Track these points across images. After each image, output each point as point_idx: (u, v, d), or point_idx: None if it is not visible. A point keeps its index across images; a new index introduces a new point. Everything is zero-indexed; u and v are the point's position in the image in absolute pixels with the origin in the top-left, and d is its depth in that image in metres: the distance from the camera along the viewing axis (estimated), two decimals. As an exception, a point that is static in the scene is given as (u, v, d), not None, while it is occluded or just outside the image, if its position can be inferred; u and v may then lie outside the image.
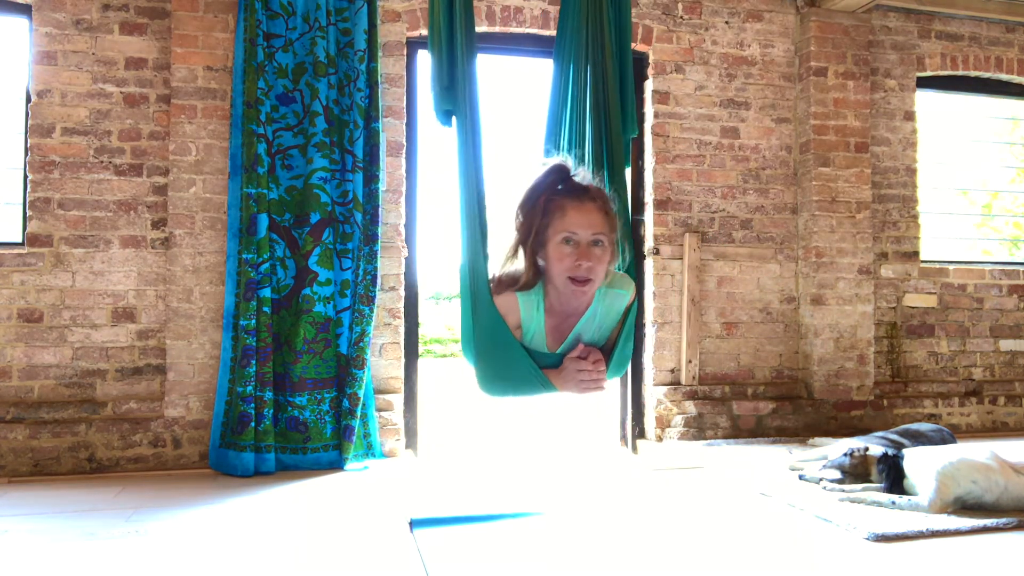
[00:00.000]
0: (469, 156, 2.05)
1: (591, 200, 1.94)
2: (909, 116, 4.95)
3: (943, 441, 3.64)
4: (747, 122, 4.68)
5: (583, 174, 2.04)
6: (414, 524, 2.80)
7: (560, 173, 2.00)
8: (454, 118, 2.17)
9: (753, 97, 4.70)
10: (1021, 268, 5.11)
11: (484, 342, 2.02)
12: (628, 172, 2.39)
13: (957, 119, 5.32)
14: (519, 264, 2.06)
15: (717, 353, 4.58)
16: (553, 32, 4.32)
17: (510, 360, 2.02)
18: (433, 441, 4.91)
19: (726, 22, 4.67)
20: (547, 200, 1.94)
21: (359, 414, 3.87)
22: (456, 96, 2.16)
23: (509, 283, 2.02)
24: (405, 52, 4.21)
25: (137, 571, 2.36)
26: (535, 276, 2.00)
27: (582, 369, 2.04)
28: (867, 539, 2.60)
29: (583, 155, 2.30)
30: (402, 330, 4.15)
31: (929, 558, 2.44)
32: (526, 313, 2.03)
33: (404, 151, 4.17)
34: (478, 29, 3.93)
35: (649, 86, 4.57)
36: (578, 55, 2.36)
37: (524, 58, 4.58)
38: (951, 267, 4.99)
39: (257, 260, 3.78)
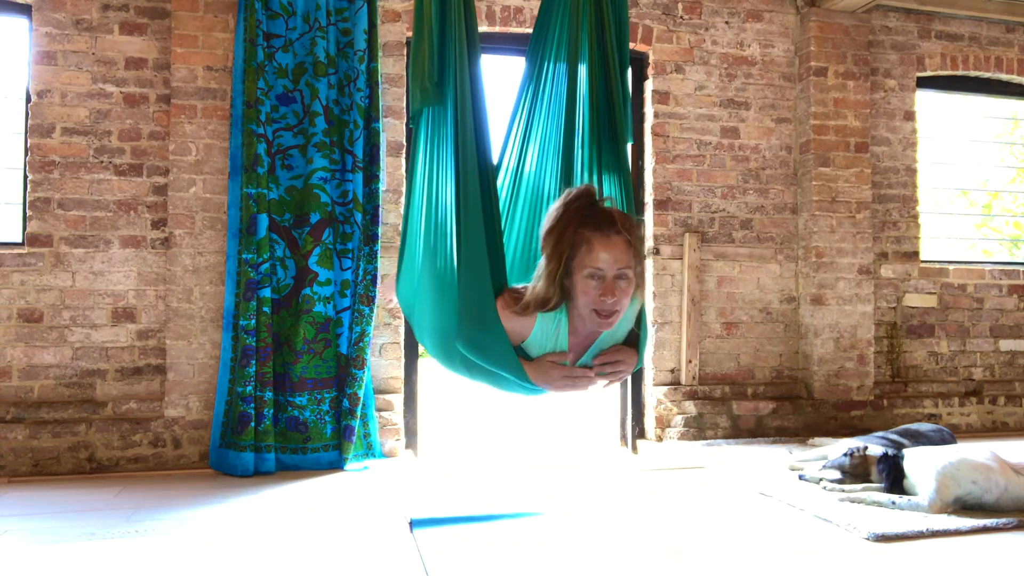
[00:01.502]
0: (469, 153, 2.03)
1: (617, 234, 1.91)
2: (909, 116, 4.95)
3: (943, 441, 3.64)
4: (747, 122, 4.68)
5: (609, 199, 2.02)
6: (414, 524, 2.80)
7: (586, 198, 1.97)
8: (422, 117, 2.18)
9: (753, 97, 4.70)
10: (1021, 268, 5.11)
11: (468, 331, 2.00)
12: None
13: (957, 119, 5.32)
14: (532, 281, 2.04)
15: (717, 353, 4.58)
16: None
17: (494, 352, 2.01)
18: (433, 441, 4.90)
19: (726, 22, 4.67)
20: (574, 231, 1.91)
21: (359, 414, 3.87)
22: (446, 93, 2.14)
23: (536, 304, 1.98)
24: (405, 52, 4.21)
25: (137, 571, 2.36)
26: (561, 299, 1.97)
27: (566, 375, 2.04)
28: (867, 539, 2.60)
29: (571, 159, 2.29)
30: (402, 330, 4.15)
31: (929, 558, 2.44)
32: (542, 332, 2.01)
33: (404, 151, 4.17)
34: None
35: (649, 86, 4.57)
36: (570, 54, 2.33)
37: (524, 58, 4.57)
38: (951, 267, 4.99)
39: (257, 260, 3.78)
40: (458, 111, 2.06)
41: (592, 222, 1.92)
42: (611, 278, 1.90)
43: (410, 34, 4.23)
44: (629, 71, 2.40)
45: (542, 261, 1.98)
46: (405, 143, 4.17)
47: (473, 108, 2.05)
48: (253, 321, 3.74)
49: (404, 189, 2.44)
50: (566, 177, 2.30)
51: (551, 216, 1.98)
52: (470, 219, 2.00)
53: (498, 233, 2.08)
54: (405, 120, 4.18)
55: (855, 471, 3.19)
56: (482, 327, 1.96)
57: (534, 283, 2.01)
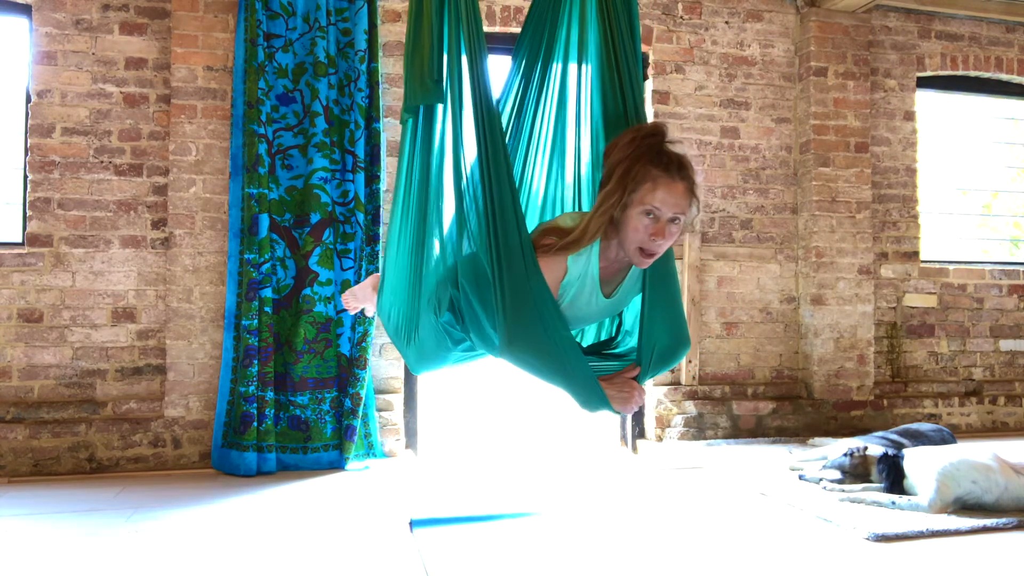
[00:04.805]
0: (499, 147, 1.92)
1: (683, 180, 1.90)
2: (909, 116, 4.95)
3: (943, 441, 3.64)
4: (747, 122, 4.68)
5: (680, 142, 2.00)
6: (414, 524, 2.80)
7: (659, 136, 1.95)
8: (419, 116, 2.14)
9: (753, 97, 4.70)
10: (1021, 268, 5.11)
11: (524, 329, 1.85)
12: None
13: (957, 119, 5.32)
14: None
15: (717, 353, 4.58)
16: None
17: (561, 359, 1.88)
18: (433, 441, 4.90)
19: (726, 22, 4.67)
20: (642, 166, 1.88)
21: (360, 414, 3.87)
22: (452, 89, 2.10)
23: (590, 236, 1.90)
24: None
25: (137, 571, 2.36)
26: (600, 230, 1.92)
27: (636, 389, 1.98)
28: (867, 539, 2.60)
29: (567, 157, 2.26)
30: (402, 330, 4.14)
31: (929, 558, 2.44)
32: (575, 270, 1.94)
33: (404, 151, 4.16)
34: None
35: (649, 86, 4.57)
36: (569, 54, 2.31)
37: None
38: (951, 267, 4.99)
39: (259, 260, 3.78)
40: (479, 106, 1.97)
41: (662, 162, 1.90)
42: (665, 220, 1.88)
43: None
44: (642, 65, 2.36)
45: (602, 192, 1.92)
46: (405, 143, 4.17)
47: (487, 102, 1.98)
48: (255, 321, 3.74)
49: (399, 188, 2.32)
50: (567, 177, 2.27)
51: (621, 146, 1.93)
52: (507, 216, 1.90)
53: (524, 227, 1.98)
54: (405, 120, 4.18)
55: (855, 471, 3.19)
56: (538, 322, 1.86)
57: (588, 216, 1.94)
